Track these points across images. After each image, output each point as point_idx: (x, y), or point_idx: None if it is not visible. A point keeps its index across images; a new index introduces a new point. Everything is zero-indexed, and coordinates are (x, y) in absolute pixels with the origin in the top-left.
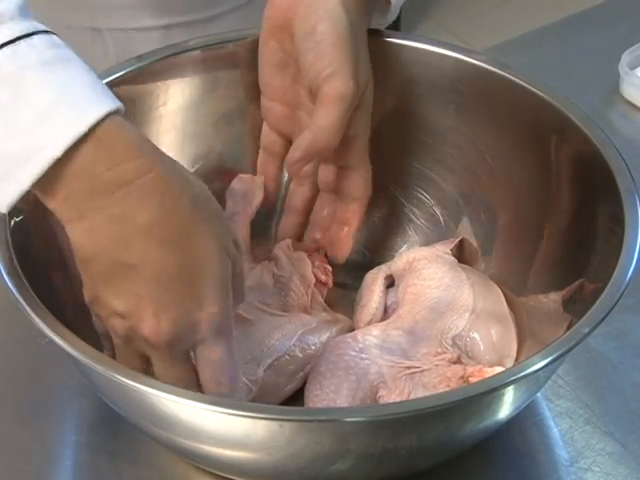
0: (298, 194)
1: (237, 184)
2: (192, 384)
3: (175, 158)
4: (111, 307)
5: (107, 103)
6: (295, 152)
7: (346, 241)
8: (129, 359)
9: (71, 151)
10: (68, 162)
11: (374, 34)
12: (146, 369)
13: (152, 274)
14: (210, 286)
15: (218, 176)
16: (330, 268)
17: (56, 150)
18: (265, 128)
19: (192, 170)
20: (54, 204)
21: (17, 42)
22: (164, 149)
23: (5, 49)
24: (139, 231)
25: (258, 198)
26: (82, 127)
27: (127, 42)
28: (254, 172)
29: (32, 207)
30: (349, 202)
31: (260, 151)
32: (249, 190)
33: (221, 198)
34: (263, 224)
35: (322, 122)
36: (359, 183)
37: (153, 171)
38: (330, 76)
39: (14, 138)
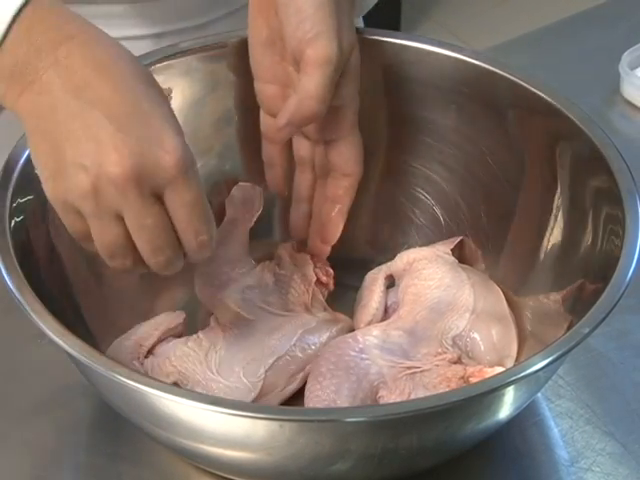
0: (302, 182)
1: (237, 192)
2: (169, 237)
3: None
4: (74, 166)
5: None
6: (281, 119)
7: (337, 221)
8: (105, 230)
9: (8, 31)
10: (6, 40)
11: (374, 34)
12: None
13: (108, 114)
14: (168, 125)
15: (218, 185)
16: (332, 271)
17: None
18: (262, 114)
19: None
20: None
21: None
22: None
23: None
24: (90, 76)
25: (258, 206)
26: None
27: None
28: (254, 172)
29: (33, 207)
30: (340, 179)
31: (262, 140)
32: (249, 198)
33: (221, 206)
34: (264, 225)
35: (307, 86)
36: (349, 157)
37: (94, 27)
38: (313, 39)
39: None
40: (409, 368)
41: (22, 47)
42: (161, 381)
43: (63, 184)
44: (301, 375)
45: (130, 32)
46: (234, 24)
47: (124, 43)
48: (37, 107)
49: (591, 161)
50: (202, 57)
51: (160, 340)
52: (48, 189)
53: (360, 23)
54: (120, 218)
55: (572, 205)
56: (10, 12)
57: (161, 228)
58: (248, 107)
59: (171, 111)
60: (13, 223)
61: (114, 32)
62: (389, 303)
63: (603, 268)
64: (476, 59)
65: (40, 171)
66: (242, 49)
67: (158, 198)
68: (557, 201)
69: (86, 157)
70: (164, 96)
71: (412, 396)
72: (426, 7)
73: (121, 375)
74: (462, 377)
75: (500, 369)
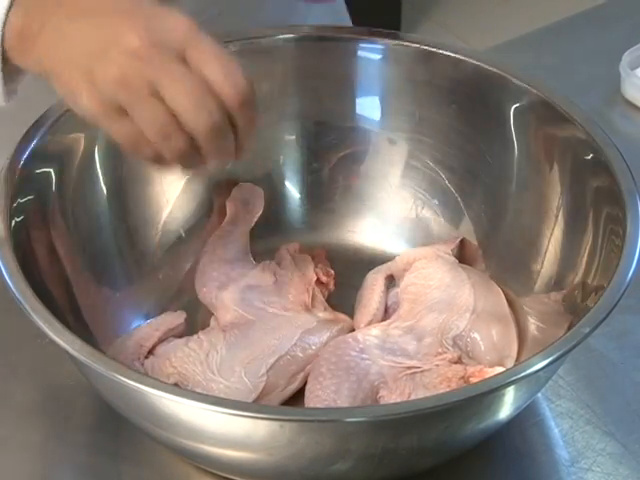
0: None
1: (237, 192)
2: (209, 96)
3: None
4: (98, 65)
5: None
6: None
7: None
8: (148, 112)
9: None
10: None
11: (375, 35)
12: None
13: (113, 13)
14: (170, 8)
15: (219, 185)
16: (332, 271)
17: None
18: None
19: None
20: (16, 42)
21: None
22: None
23: None
24: (92, 3)
25: (258, 206)
26: None
27: None
28: (255, 173)
29: (33, 207)
30: None
31: None
32: (249, 199)
33: (222, 207)
34: (264, 225)
35: None
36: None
37: None
38: None
39: None
40: (409, 368)
41: (30, 1)
42: (162, 381)
43: (95, 89)
44: (301, 375)
45: None
46: (233, 23)
47: None
48: (53, 43)
49: (591, 161)
50: None
51: (161, 340)
52: (85, 106)
53: (348, 22)
54: (158, 95)
55: (572, 205)
56: None
57: (196, 83)
58: None
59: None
60: (13, 223)
61: None
62: (389, 303)
63: (603, 268)
64: (476, 59)
65: (73, 99)
66: (241, 49)
67: (184, 62)
68: (558, 201)
69: (104, 46)
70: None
71: (412, 396)
72: (426, 7)
73: (122, 375)
74: (462, 377)
75: (500, 369)
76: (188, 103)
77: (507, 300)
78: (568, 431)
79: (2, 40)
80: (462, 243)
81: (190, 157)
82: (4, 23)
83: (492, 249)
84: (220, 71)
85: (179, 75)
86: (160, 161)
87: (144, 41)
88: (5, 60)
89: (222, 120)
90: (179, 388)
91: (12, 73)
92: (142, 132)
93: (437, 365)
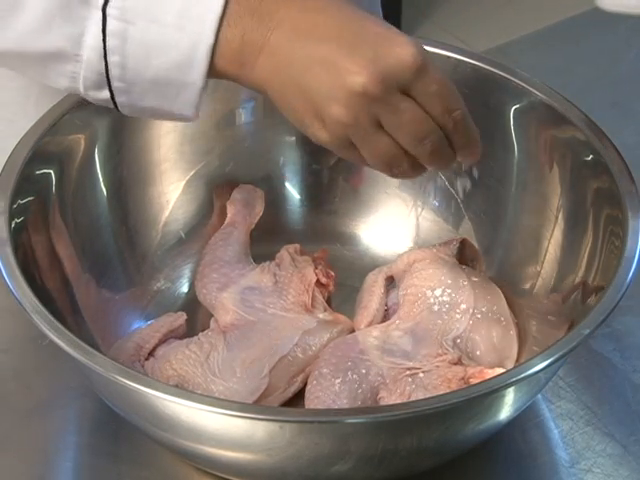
0: None
1: (238, 194)
2: (428, 125)
3: (176, 159)
4: (326, 100)
5: None
6: None
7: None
8: (374, 144)
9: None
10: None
11: None
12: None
13: (338, 42)
14: (392, 30)
15: (219, 187)
16: (332, 273)
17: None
18: None
19: (193, 171)
20: (232, 61)
21: None
22: (165, 150)
23: None
24: (311, 19)
25: (259, 208)
26: None
27: None
28: (255, 174)
29: (33, 208)
30: None
31: None
32: (250, 200)
33: (222, 208)
34: (265, 227)
35: None
36: None
37: None
38: None
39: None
40: (409, 369)
41: (245, 18)
42: (162, 382)
43: (325, 123)
44: (301, 376)
45: None
46: None
47: None
48: (274, 68)
49: (591, 162)
50: None
51: (161, 342)
52: (317, 138)
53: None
54: (382, 127)
55: (572, 206)
56: None
57: (418, 119)
58: (249, 109)
59: (386, 22)
60: (13, 224)
61: None
62: (389, 304)
63: (603, 269)
64: (476, 60)
65: (306, 126)
66: None
67: (406, 94)
68: (558, 202)
69: (331, 85)
70: (373, 16)
71: (412, 397)
72: (426, 8)
73: (122, 376)
74: (462, 378)
75: (500, 370)
76: (410, 135)
77: (507, 301)
78: (568, 432)
79: (213, 53)
80: (462, 244)
81: (418, 171)
82: (216, 34)
83: (492, 250)
84: (440, 103)
85: (402, 109)
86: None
87: (370, 78)
88: (212, 73)
89: (441, 145)
90: (179, 389)
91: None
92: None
93: (437, 366)
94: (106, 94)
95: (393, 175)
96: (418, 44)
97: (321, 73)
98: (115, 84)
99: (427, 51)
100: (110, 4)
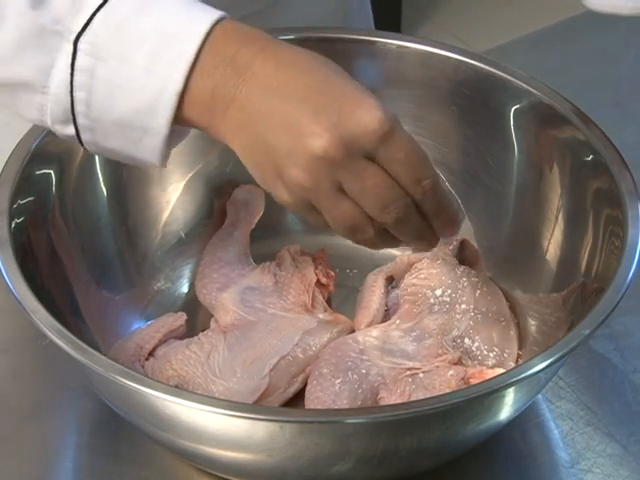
0: None
1: (238, 194)
2: (393, 192)
3: (175, 156)
4: (286, 161)
5: (212, 13)
6: None
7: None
8: (335, 209)
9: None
10: (200, 63)
11: (375, 36)
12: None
13: (304, 100)
14: (361, 92)
15: (220, 187)
16: (332, 273)
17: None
18: None
19: (193, 171)
20: (201, 111)
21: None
22: None
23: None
24: (283, 76)
25: (259, 208)
26: (203, 27)
27: None
28: None
29: (33, 208)
30: None
31: None
32: (251, 200)
33: (223, 208)
34: (265, 227)
35: None
36: None
37: (277, 39)
38: None
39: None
40: (409, 369)
41: (219, 69)
42: (162, 383)
43: (285, 184)
44: (302, 377)
45: None
46: (272, 17)
47: None
48: (241, 123)
49: (591, 162)
50: None
51: (161, 342)
52: (279, 199)
53: (371, 25)
54: (344, 192)
55: (573, 206)
56: (201, 34)
57: (383, 185)
58: None
59: (360, 84)
60: (14, 224)
61: None
62: (389, 304)
63: (603, 269)
64: (476, 60)
65: (268, 186)
66: None
67: (371, 160)
68: (558, 202)
69: (292, 146)
70: (349, 76)
71: (412, 397)
72: (426, 8)
73: (122, 377)
74: (462, 378)
75: (500, 370)
76: (373, 202)
77: (507, 301)
78: (568, 432)
79: (182, 101)
80: (462, 244)
81: (387, 242)
82: (186, 81)
83: (492, 250)
84: (407, 171)
85: (365, 176)
86: (359, 243)
87: (332, 142)
88: (180, 121)
89: (408, 214)
90: (179, 389)
91: (174, 137)
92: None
93: (437, 366)
94: (71, 130)
95: (359, 243)
96: (386, 109)
97: (284, 133)
98: (80, 120)
99: (395, 116)
100: (82, 39)
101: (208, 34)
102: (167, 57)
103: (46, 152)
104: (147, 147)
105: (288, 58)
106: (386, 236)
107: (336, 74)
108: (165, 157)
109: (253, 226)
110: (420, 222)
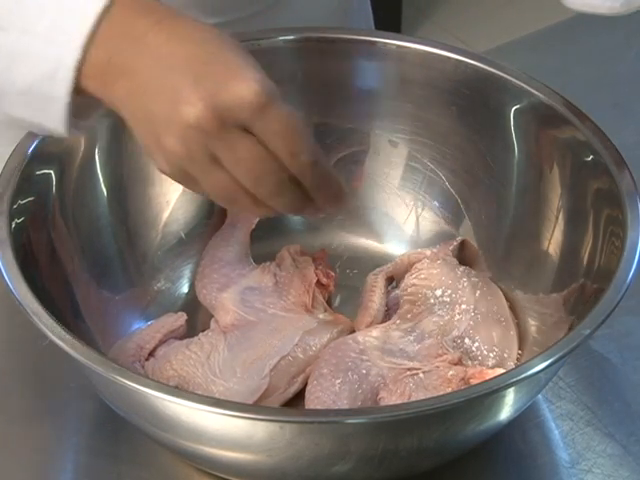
0: None
1: None
2: (268, 165)
3: None
4: (164, 129)
5: None
6: None
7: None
8: (210, 178)
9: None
10: (98, 34)
11: (375, 36)
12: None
13: (186, 70)
14: (245, 64)
15: None
16: (332, 273)
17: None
18: None
19: None
20: (97, 81)
21: None
22: None
23: None
24: (171, 46)
25: None
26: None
27: None
28: None
29: (33, 209)
30: None
31: None
32: None
33: (223, 209)
34: (265, 227)
35: None
36: None
37: (176, 11)
38: None
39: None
40: (410, 369)
41: (115, 39)
42: (162, 383)
43: (163, 152)
44: (302, 377)
45: None
46: (275, 17)
47: None
48: (130, 92)
49: (591, 163)
50: None
51: (161, 342)
52: (160, 167)
53: (371, 25)
54: (219, 163)
55: (573, 206)
56: (99, 6)
57: (256, 158)
58: None
59: (249, 56)
60: (14, 224)
61: None
62: (390, 304)
63: (604, 269)
64: (476, 61)
65: (150, 154)
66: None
67: (249, 131)
68: (558, 202)
69: (168, 115)
70: (242, 48)
71: (413, 397)
72: (426, 8)
73: (122, 377)
74: (463, 378)
75: (501, 370)
76: (247, 174)
77: (507, 301)
78: (568, 432)
79: (80, 70)
80: (462, 244)
81: (262, 210)
82: (84, 51)
83: (492, 250)
84: (283, 145)
85: (239, 147)
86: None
87: (205, 112)
88: (80, 91)
89: (283, 184)
90: (180, 390)
91: (82, 108)
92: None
93: (437, 366)
94: None
95: (238, 212)
96: (266, 82)
97: (164, 101)
98: None
99: (274, 90)
100: None
101: (108, 7)
102: (66, 28)
103: (46, 152)
104: (53, 116)
105: (182, 30)
106: (265, 206)
107: (228, 48)
108: (73, 127)
109: (253, 226)
110: (297, 196)
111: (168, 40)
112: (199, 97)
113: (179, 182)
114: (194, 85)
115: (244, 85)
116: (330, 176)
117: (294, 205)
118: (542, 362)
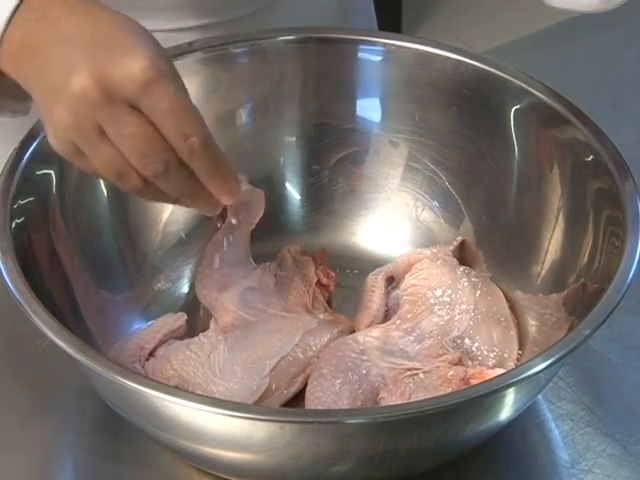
0: None
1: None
2: (154, 144)
3: None
4: (56, 102)
5: None
6: None
7: None
8: (98, 153)
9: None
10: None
11: (375, 36)
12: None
13: (82, 45)
14: (138, 40)
15: None
16: (333, 273)
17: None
18: None
19: None
20: (12, 62)
21: None
22: None
23: None
24: (72, 23)
25: (259, 208)
26: None
27: (165, 43)
28: (256, 175)
29: (33, 209)
30: None
31: None
32: (251, 200)
33: (223, 209)
34: (265, 227)
35: None
36: None
37: (99, 2)
38: None
39: None
40: (410, 369)
41: (30, 22)
42: (162, 383)
43: (53, 124)
44: (302, 377)
45: (182, 24)
46: (276, 15)
47: (174, 35)
48: (35, 68)
49: (592, 163)
50: (203, 58)
51: (161, 342)
52: (51, 142)
53: (374, 26)
54: (107, 137)
55: (573, 206)
56: None
57: (142, 135)
58: (249, 109)
59: (154, 39)
60: (14, 224)
61: (167, 24)
62: (390, 304)
63: (604, 270)
64: (477, 61)
65: (45, 128)
66: (242, 51)
67: (136, 108)
68: (558, 202)
69: (60, 86)
70: (149, 33)
71: (413, 397)
72: (427, 8)
73: (122, 377)
74: (463, 379)
75: (501, 371)
76: (132, 151)
77: (507, 302)
78: (568, 433)
79: None
80: (462, 244)
81: (154, 194)
82: (2, 35)
83: (492, 250)
84: (171, 123)
85: (125, 123)
86: (133, 193)
87: (91, 82)
88: (2, 74)
89: (170, 165)
90: (180, 390)
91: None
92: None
93: (437, 366)
94: None
95: (130, 192)
96: (159, 60)
97: (59, 74)
98: None
99: (166, 69)
100: None
101: None
102: None
103: (46, 152)
104: None
105: (94, 14)
106: (157, 189)
107: (133, 30)
108: (6, 109)
109: (253, 226)
110: (186, 181)
111: (78, 23)
112: (88, 69)
113: (69, 158)
114: (87, 59)
115: (133, 61)
116: (222, 164)
117: (183, 190)
118: (542, 362)
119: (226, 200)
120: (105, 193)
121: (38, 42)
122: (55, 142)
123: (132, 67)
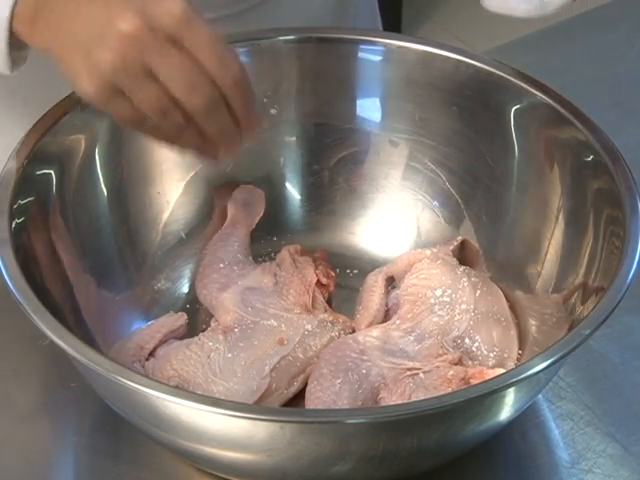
0: None
1: (239, 194)
2: (201, 74)
3: (176, 159)
4: (95, 48)
5: None
6: None
7: None
8: (145, 92)
9: None
10: None
11: (375, 36)
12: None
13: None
14: None
15: (220, 187)
16: (332, 273)
17: None
18: None
19: (193, 171)
20: (27, 23)
21: None
22: (165, 150)
23: None
24: None
25: (259, 208)
26: None
27: None
28: (256, 175)
29: (33, 209)
30: None
31: None
32: (251, 200)
33: (223, 209)
34: (265, 227)
35: None
36: None
37: None
38: None
39: None
40: (410, 369)
41: None
42: (162, 383)
43: (94, 72)
44: (302, 377)
45: None
46: (271, 12)
47: None
48: (58, 25)
49: (592, 163)
50: None
51: (161, 342)
52: (85, 88)
53: (379, 25)
54: (154, 76)
55: (573, 206)
56: None
57: (189, 68)
58: None
59: None
60: (14, 224)
61: None
62: (390, 304)
63: (604, 270)
64: (477, 61)
65: (74, 80)
66: (242, 50)
67: (179, 45)
68: (558, 202)
69: (101, 32)
70: None
71: (413, 397)
72: (427, 8)
73: (122, 377)
74: (463, 378)
75: (501, 370)
76: (181, 83)
77: (508, 301)
78: (568, 432)
79: (11, 18)
80: (462, 244)
81: (191, 136)
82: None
83: (493, 250)
84: (214, 55)
85: (173, 57)
86: (165, 138)
87: (138, 25)
88: (13, 34)
89: (216, 99)
90: (180, 390)
91: (21, 44)
92: (141, 111)
93: (437, 366)
94: None
95: (166, 134)
96: (189, 4)
97: (95, 19)
98: None
99: (197, 10)
100: None
101: None
102: None
103: (46, 152)
104: None
105: None
106: (193, 130)
107: None
108: (12, 64)
109: (253, 226)
110: (228, 118)
111: None
112: (131, 11)
113: (101, 105)
114: (123, 5)
115: (172, 2)
116: (253, 97)
117: (221, 125)
118: (542, 362)
119: (251, 136)
120: (105, 193)
121: (55, 4)
122: (91, 89)
123: (172, 6)
